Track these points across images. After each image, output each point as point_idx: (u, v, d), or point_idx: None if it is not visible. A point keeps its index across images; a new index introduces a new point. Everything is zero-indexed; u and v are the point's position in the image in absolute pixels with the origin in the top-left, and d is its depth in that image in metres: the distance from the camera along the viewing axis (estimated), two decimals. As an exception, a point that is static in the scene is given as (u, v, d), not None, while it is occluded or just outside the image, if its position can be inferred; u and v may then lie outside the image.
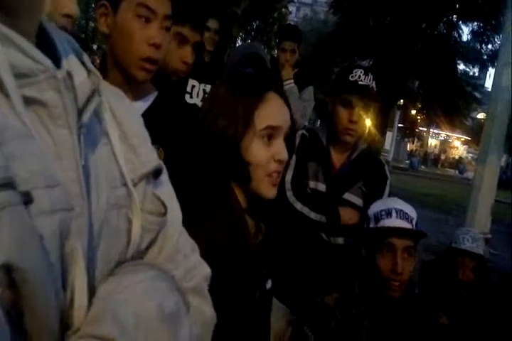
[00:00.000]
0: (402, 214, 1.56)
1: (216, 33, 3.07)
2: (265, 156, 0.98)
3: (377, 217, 1.58)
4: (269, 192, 1.01)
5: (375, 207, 1.63)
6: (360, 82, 1.76)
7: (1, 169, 0.37)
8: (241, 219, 1.00)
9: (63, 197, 0.43)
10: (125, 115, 0.60)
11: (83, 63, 0.52)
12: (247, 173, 0.99)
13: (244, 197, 1.03)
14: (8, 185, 0.37)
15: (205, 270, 0.66)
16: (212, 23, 3.07)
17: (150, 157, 0.60)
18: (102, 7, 1.15)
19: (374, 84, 1.78)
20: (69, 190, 0.45)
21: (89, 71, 0.51)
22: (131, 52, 1.15)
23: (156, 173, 0.61)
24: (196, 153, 1.01)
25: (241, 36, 9.43)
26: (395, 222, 1.55)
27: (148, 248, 0.59)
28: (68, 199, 0.44)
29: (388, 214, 1.56)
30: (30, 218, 0.39)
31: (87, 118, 0.48)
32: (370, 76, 1.77)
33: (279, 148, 1.00)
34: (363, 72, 1.78)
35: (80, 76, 0.49)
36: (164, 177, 0.64)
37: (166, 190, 0.64)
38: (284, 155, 0.99)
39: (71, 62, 0.50)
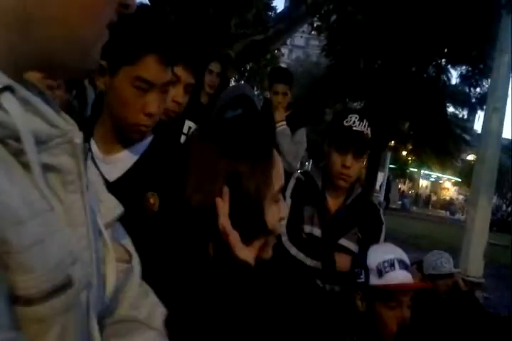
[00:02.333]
0: (403, 265, 1.53)
1: (218, 76, 3.12)
2: (276, 218, 0.92)
3: (381, 270, 1.52)
4: (269, 254, 0.94)
5: (376, 257, 1.56)
6: (354, 128, 1.76)
7: (62, 265, 0.36)
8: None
9: (85, 273, 0.42)
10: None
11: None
12: (267, 242, 0.92)
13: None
14: (68, 284, 0.36)
15: (161, 309, 0.67)
16: (215, 67, 3.13)
17: (114, 202, 0.60)
18: (100, 65, 1.13)
19: (369, 131, 1.78)
20: (83, 257, 0.43)
21: (64, 119, 0.48)
22: (126, 118, 1.14)
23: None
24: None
25: (234, 78, 9.59)
26: (399, 274, 1.51)
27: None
28: (88, 275, 0.43)
29: (391, 266, 1.52)
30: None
31: (89, 176, 0.48)
32: (365, 122, 1.78)
33: (282, 205, 0.95)
34: (357, 117, 1.78)
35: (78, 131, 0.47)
36: (119, 223, 0.63)
37: (123, 235, 0.63)
38: (284, 215, 0.96)
39: (63, 117, 0.48)
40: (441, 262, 2.73)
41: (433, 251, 2.90)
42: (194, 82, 1.55)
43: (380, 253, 1.60)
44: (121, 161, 1.18)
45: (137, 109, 1.13)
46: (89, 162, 0.54)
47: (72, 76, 0.51)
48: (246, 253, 0.87)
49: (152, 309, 0.63)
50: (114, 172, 1.16)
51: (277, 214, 0.92)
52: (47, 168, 0.42)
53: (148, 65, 1.10)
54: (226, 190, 0.86)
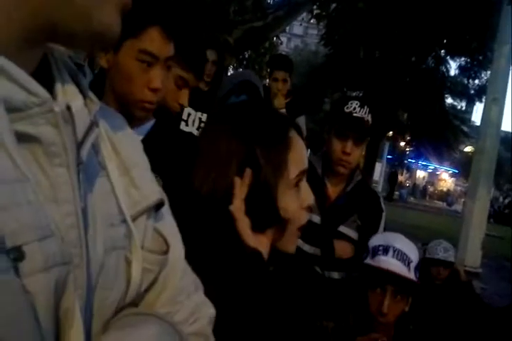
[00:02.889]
0: (400, 255, 1.52)
1: (214, 64, 3.09)
2: (296, 207, 0.85)
3: (375, 252, 1.55)
4: (293, 246, 0.88)
5: (375, 240, 1.60)
6: (354, 114, 1.75)
7: None
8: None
9: (58, 250, 0.38)
10: (124, 143, 0.55)
11: (78, 86, 0.47)
12: (283, 231, 0.85)
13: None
14: (18, 258, 0.33)
15: (209, 310, 0.61)
16: (211, 54, 3.10)
17: (151, 189, 0.56)
18: None
19: (369, 117, 1.77)
20: (66, 237, 0.40)
21: (85, 96, 0.46)
22: (131, 94, 1.14)
23: (158, 206, 0.56)
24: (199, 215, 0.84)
25: (233, 65, 9.54)
26: (390, 261, 1.51)
27: (148, 290, 0.54)
28: (65, 251, 0.39)
29: (385, 251, 1.53)
30: (21, 278, 0.34)
31: (85, 153, 0.44)
32: (366, 108, 1.76)
33: (307, 193, 0.88)
34: (358, 104, 1.77)
35: (77, 103, 0.44)
36: (166, 209, 0.59)
37: (168, 224, 0.59)
38: (312, 199, 0.88)
39: (66, 88, 0.45)
40: (437, 249, 2.87)
41: (436, 239, 3.03)
42: (198, 82, 1.57)
43: (381, 237, 1.63)
44: None
45: (142, 84, 1.13)
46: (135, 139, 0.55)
47: (87, 44, 0.45)
48: (256, 241, 0.83)
49: (193, 306, 0.58)
50: None
51: (296, 201, 0.86)
52: (26, 138, 0.39)
53: (152, 37, 1.11)
54: (249, 171, 0.81)
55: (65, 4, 0.39)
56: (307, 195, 0.87)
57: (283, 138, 0.85)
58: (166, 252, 0.54)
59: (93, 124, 0.45)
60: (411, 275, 1.52)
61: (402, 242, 1.58)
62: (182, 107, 1.52)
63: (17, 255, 0.34)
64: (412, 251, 1.57)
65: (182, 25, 1.39)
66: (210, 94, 2.91)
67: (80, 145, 0.43)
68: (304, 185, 0.87)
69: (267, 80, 3.70)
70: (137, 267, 0.50)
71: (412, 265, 1.53)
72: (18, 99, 0.38)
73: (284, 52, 20.47)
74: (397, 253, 1.53)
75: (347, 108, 1.76)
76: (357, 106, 1.76)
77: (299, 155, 0.86)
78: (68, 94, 0.45)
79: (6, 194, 0.35)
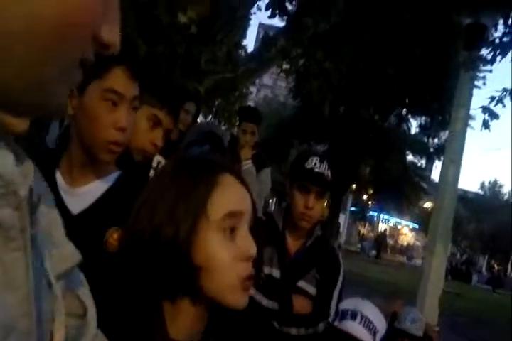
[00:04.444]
0: (367, 323, 1.52)
1: (192, 116, 3.17)
2: (228, 254, 0.76)
3: (344, 315, 1.55)
4: (240, 301, 0.77)
5: (346, 304, 1.61)
6: (315, 170, 1.80)
7: None
8: None
9: None
10: (46, 202, 0.51)
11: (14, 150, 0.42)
12: (196, 282, 0.76)
13: (200, 315, 0.81)
14: None
15: None
16: (191, 107, 3.18)
17: (71, 250, 0.53)
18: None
19: (329, 173, 1.82)
20: (20, 326, 0.38)
21: (17, 156, 0.42)
22: (97, 136, 1.12)
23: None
24: (128, 258, 0.79)
25: (203, 114, 9.68)
26: (356, 327, 1.51)
27: None
28: None
29: (353, 316, 1.53)
30: None
31: (36, 227, 0.42)
32: (326, 164, 1.82)
33: (246, 241, 0.78)
34: (318, 159, 1.83)
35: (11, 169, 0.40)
36: (79, 270, 0.56)
37: (84, 286, 0.56)
38: (253, 250, 0.77)
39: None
40: (405, 318, 2.67)
41: (407, 307, 2.85)
42: (173, 125, 1.57)
43: (353, 302, 1.63)
44: (87, 194, 1.17)
45: (108, 124, 1.12)
46: (47, 206, 0.49)
47: (38, 116, 0.43)
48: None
49: None
50: (79, 205, 1.15)
51: (228, 248, 0.77)
52: None
53: (117, 76, 1.12)
54: None
55: (20, 76, 0.36)
56: (247, 243, 0.78)
57: (209, 175, 0.80)
58: (83, 316, 0.52)
59: (41, 197, 0.43)
60: None
61: (370, 310, 1.58)
62: (156, 148, 1.50)
63: None
64: (380, 321, 1.57)
65: (148, 66, 1.40)
66: (180, 143, 2.95)
67: (31, 219, 0.41)
68: (244, 232, 0.79)
69: (235, 128, 3.78)
70: (60, 337, 0.48)
71: (378, 336, 1.53)
72: None
73: (253, 102, 20.88)
74: (365, 321, 1.52)
75: (307, 164, 1.81)
76: (317, 162, 1.81)
77: (227, 196, 0.79)
78: (26, 167, 0.42)
79: None
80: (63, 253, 0.50)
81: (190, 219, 0.75)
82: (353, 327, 1.50)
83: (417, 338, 2.60)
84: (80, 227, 1.07)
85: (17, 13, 0.33)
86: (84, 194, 1.17)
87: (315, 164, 1.81)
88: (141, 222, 0.78)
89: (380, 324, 1.56)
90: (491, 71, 5.44)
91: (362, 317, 1.52)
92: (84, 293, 0.55)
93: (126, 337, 0.74)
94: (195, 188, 0.78)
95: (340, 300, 1.78)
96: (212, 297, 0.77)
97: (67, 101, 0.42)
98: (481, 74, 5.81)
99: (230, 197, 0.79)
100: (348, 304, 1.60)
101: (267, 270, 1.80)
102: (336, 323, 1.56)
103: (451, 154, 5.28)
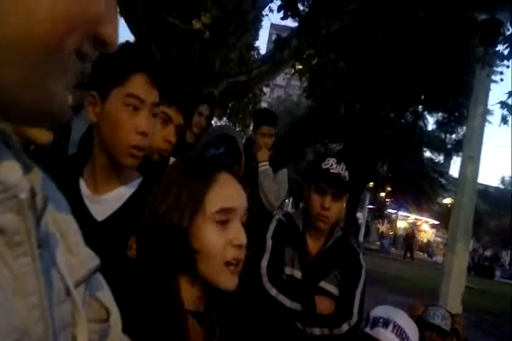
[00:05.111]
0: (400, 332, 1.52)
1: (206, 119, 3.20)
2: (220, 242, 0.89)
3: (375, 322, 1.56)
4: (228, 283, 0.91)
5: (379, 311, 1.62)
6: (332, 170, 1.81)
7: None
8: (179, 324, 0.87)
9: None
10: (60, 209, 0.51)
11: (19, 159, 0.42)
12: (193, 263, 0.89)
13: (198, 293, 0.93)
14: None
15: None
16: (205, 109, 3.21)
17: (88, 255, 0.53)
18: (90, 97, 1.17)
19: (346, 174, 1.83)
20: (32, 332, 0.38)
21: (26, 166, 0.42)
22: (119, 140, 1.16)
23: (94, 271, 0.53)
24: (144, 242, 0.94)
25: (217, 115, 9.72)
26: (388, 335, 1.52)
27: None
28: None
29: (386, 324, 1.54)
30: None
31: (43, 233, 0.42)
32: (343, 165, 1.83)
33: (236, 232, 0.91)
34: (335, 160, 1.84)
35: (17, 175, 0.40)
36: (99, 274, 0.57)
37: (105, 290, 0.57)
38: (242, 239, 0.91)
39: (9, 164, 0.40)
40: (434, 314, 2.72)
41: (435, 305, 2.89)
42: (184, 123, 1.60)
43: (385, 310, 1.65)
44: (111, 201, 1.20)
45: (130, 129, 1.15)
46: (65, 213, 0.50)
47: (41, 124, 0.44)
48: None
49: None
50: (103, 212, 1.18)
51: (219, 235, 0.90)
52: None
53: (138, 82, 1.16)
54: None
55: (21, 82, 0.36)
56: (238, 235, 0.91)
57: (207, 173, 0.93)
58: (106, 320, 0.53)
59: (47, 201, 0.43)
60: None
61: (404, 320, 1.59)
62: (170, 143, 1.53)
63: None
64: (413, 332, 1.57)
65: (166, 71, 1.43)
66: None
67: (38, 225, 0.41)
68: (235, 225, 0.92)
69: (250, 128, 3.79)
70: (83, 336, 0.48)
71: None
72: None
73: (266, 103, 20.84)
74: (397, 330, 1.53)
75: (324, 165, 1.82)
76: (334, 163, 1.82)
77: (222, 193, 0.92)
78: (32, 170, 0.42)
79: None
80: (81, 259, 0.50)
81: (190, 210, 0.90)
82: (385, 335, 1.50)
83: (444, 334, 2.69)
84: (105, 234, 1.10)
85: (14, 17, 0.32)
86: (108, 201, 1.19)
87: (331, 165, 1.82)
88: (153, 210, 0.92)
89: (413, 333, 1.56)
90: (508, 66, 5.37)
91: (395, 326, 1.52)
92: (106, 297, 0.56)
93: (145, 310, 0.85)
94: (196, 184, 0.91)
95: (363, 299, 1.79)
96: (206, 278, 0.90)
97: (68, 103, 0.40)
98: (499, 69, 5.75)
99: (225, 194, 0.92)
100: (379, 311, 1.60)
101: (288, 271, 1.82)
102: (367, 330, 1.56)
103: (470, 151, 5.23)
